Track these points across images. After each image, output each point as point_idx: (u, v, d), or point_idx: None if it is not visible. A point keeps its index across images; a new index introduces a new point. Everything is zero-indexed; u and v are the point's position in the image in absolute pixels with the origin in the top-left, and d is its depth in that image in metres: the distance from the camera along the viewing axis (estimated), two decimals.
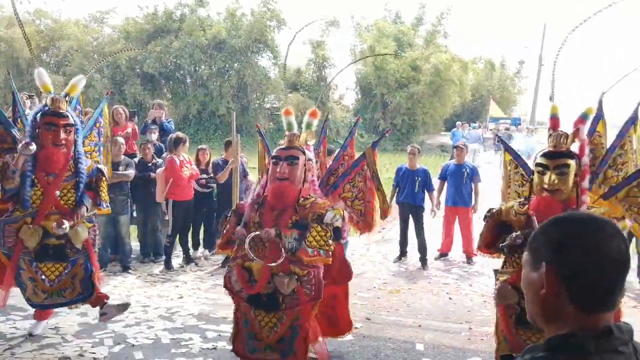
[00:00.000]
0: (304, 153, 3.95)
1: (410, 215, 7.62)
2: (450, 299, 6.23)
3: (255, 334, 3.84)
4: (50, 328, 4.84)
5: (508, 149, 4.36)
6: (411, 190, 7.54)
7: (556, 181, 3.47)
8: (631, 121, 3.99)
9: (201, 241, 7.70)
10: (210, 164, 7.45)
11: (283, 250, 3.68)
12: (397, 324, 5.35)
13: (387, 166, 20.98)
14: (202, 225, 7.62)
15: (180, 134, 7.47)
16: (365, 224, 4.39)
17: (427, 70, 27.80)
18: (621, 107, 4.00)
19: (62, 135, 4.33)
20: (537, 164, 3.60)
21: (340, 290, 4.42)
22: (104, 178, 4.75)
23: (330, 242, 3.73)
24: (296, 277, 3.68)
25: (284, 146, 3.98)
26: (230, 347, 4.57)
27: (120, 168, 6.71)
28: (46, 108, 4.35)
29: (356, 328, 5.12)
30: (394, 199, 7.61)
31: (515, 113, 39.91)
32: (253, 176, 7.83)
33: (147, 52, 25.51)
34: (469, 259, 7.61)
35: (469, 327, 5.29)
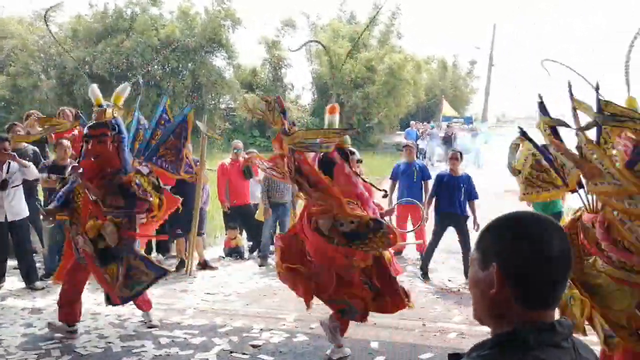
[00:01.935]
0: None
1: (450, 226, 7.01)
2: None
3: None
4: None
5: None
6: (457, 199, 6.95)
7: None
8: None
9: (154, 246, 7.56)
10: None
11: None
12: (352, 323, 5.35)
13: None
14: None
15: None
16: None
17: (381, 71, 28.10)
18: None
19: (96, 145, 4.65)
20: None
21: None
22: None
23: None
24: None
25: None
26: (184, 352, 4.53)
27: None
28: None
29: (311, 328, 5.13)
30: (427, 208, 7.12)
31: (467, 112, 40.80)
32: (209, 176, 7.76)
33: (96, 52, 24.84)
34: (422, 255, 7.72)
35: (423, 324, 5.37)
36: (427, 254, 7.11)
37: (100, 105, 4.74)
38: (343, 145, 4.40)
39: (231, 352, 4.56)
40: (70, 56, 18.15)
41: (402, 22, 43.47)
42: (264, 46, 29.20)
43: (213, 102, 27.69)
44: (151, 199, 4.73)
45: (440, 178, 7.11)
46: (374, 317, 5.55)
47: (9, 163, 6.18)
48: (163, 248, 7.57)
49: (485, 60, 35.86)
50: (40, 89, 24.09)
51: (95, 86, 4.88)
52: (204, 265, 7.23)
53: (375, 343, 4.88)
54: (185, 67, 26.61)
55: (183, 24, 26.90)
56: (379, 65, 28.31)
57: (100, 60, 24.79)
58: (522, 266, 1.18)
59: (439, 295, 6.30)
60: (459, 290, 6.53)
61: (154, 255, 7.47)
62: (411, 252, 8.02)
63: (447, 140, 21.85)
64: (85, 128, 4.71)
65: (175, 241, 7.46)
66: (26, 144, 7.00)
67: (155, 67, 25.57)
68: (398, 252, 8.01)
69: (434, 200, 7.12)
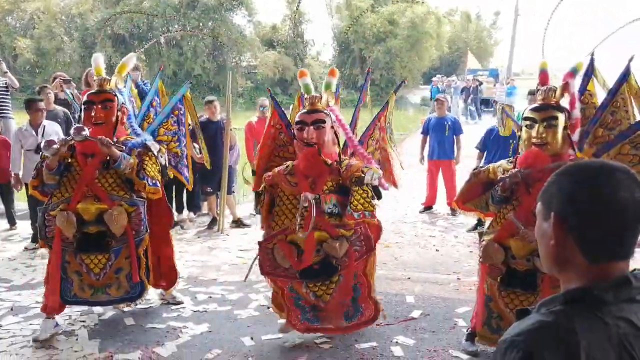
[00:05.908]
0: (328, 115, 3.81)
1: None
2: (437, 250, 6.29)
3: (315, 305, 3.77)
4: (38, 299, 4.77)
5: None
6: (505, 155, 7.02)
7: (544, 134, 3.39)
8: (623, 77, 3.65)
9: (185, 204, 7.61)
10: None
11: (314, 213, 3.52)
12: (387, 277, 5.39)
13: (367, 122, 20.99)
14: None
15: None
16: (385, 173, 4.23)
17: (404, 24, 27.51)
18: (615, 64, 3.79)
19: (100, 112, 3.97)
20: (525, 118, 3.52)
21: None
22: (150, 154, 4.10)
23: (374, 202, 3.70)
24: (345, 238, 3.65)
25: (307, 110, 3.80)
26: (222, 308, 4.61)
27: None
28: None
29: None
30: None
31: (492, 64, 39.90)
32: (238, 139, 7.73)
33: (117, 13, 24.74)
34: (453, 211, 7.65)
35: (457, 278, 5.36)
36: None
37: (99, 74, 4.22)
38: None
39: (268, 307, 4.60)
40: None
41: None
42: (284, 2, 28.72)
43: (234, 60, 27.48)
44: (158, 185, 4.09)
45: (488, 134, 6.82)
46: (407, 271, 5.59)
47: (44, 126, 6.20)
48: (194, 206, 7.62)
49: (510, 11, 34.79)
50: (64, 51, 24.13)
51: (99, 55, 4.41)
52: (238, 222, 7.28)
53: (411, 297, 4.88)
54: (206, 25, 26.35)
55: None
56: (401, 19, 27.67)
57: (121, 21, 24.66)
58: (581, 214, 1.12)
59: (473, 249, 6.26)
60: None
61: (185, 213, 7.51)
62: (442, 206, 7.96)
63: (466, 92, 22.03)
64: (85, 95, 4.12)
65: (207, 199, 7.51)
66: (56, 106, 7.03)
67: (176, 26, 25.40)
68: (428, 207, 7.97)
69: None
